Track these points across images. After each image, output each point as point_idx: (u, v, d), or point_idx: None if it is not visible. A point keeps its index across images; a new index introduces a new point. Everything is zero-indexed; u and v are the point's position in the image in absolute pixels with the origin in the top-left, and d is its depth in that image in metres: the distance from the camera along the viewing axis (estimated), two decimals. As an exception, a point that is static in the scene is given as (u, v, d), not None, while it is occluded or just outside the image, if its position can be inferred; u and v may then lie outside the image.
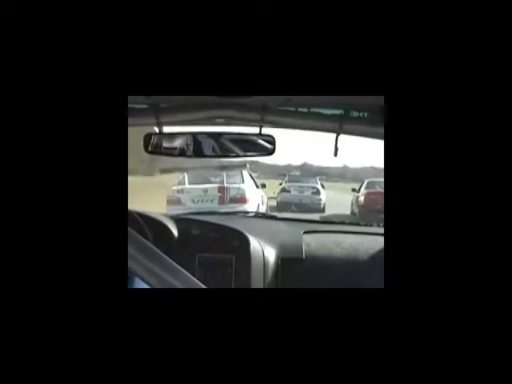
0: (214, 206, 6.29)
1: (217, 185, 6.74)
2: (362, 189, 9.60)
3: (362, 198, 9.30)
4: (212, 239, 1.37)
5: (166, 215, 1.46)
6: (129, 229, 0.48)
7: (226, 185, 6.64)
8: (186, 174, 7.01)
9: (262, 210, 6.96)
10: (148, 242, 0.49)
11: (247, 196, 6.59)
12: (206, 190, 6.61)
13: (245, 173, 7.37)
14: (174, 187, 6.90)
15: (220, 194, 6.56)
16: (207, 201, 6.50)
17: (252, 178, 7.63)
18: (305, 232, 1.46)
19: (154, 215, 1.39)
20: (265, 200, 7.79)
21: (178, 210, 4.96)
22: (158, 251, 0.49)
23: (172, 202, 6.53)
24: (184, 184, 6.80)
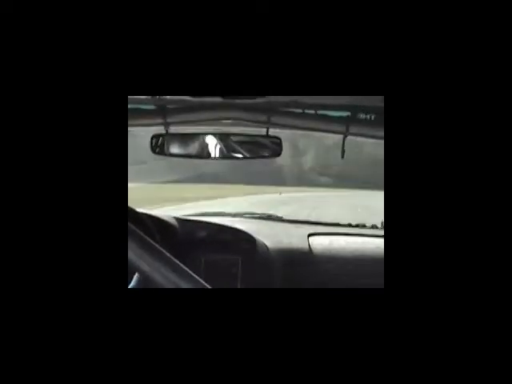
0: None
1: None
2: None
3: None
4: (218, 241, 1.38)
5: (173, 216, 1.47)
6: (136, 229, 0.48)
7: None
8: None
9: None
10: (154, 243, 0.50)
11: None
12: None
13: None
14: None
15: None
16: None
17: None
18: (310, 234, 1.46)
19: (161, 216, 1.40)
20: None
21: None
22: (165, 252, 0.49)
23: None
24: None
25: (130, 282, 0.77)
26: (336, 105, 1.08)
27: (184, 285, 0.48)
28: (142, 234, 0.49)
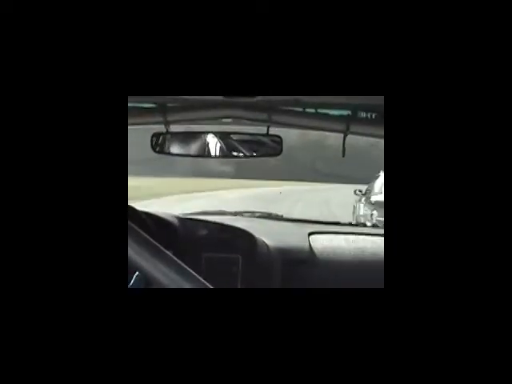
0: None
1: None
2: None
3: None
4: (219, 239, 1.38)
5: (173, 215, 1.47)
6: (136, 228, 0.48)
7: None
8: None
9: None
10: (154, 241, 0.50)
11: None
12: None
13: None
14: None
15: None
16: None
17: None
18: (311, 233, 1.46)
19: (161, 215, 1.40)
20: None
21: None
22: (165, 250, 0.50)
23: None
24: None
25: (130, 281, 0.77)
26: (337, 103, 1.08)
27: (184, 283, 0.48)
28: (142, 232, 0.49)
